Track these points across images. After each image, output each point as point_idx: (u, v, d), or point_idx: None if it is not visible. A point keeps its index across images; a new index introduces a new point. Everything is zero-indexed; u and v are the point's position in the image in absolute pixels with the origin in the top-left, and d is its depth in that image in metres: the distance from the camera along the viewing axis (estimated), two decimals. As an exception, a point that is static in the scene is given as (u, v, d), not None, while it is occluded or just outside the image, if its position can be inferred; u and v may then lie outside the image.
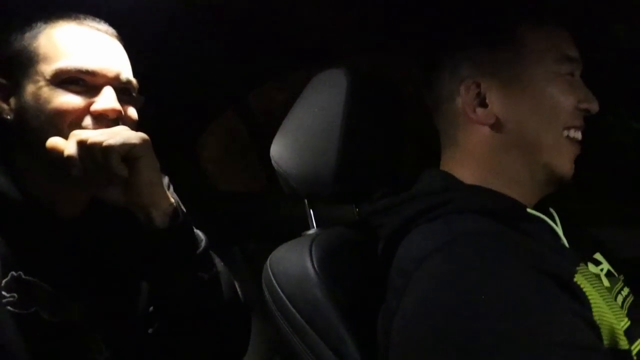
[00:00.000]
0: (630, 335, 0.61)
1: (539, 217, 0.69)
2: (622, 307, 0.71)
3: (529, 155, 0.69)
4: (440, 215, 0.64)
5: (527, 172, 0.70)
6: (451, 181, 0.71)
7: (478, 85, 0.70)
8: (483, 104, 0.70)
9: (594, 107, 0.71)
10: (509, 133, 0.69)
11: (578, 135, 0.71)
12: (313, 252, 0.76)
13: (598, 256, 0.78)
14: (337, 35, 0.98)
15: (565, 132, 0.70)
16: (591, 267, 0.74)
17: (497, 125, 0.70)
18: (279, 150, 0.91)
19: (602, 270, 0.75)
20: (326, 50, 1.10)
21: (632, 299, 0.75)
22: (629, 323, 0.63)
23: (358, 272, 0.78)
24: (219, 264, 0.82)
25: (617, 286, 0.74)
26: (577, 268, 0.62)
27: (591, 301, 0.56)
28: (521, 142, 0.69)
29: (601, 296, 0.61)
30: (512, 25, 0.71)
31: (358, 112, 0.83)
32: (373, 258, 0.72)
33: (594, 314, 0.55)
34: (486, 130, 0.70)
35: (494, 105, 0.69)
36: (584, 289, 0.57)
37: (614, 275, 0.77)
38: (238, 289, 0.86)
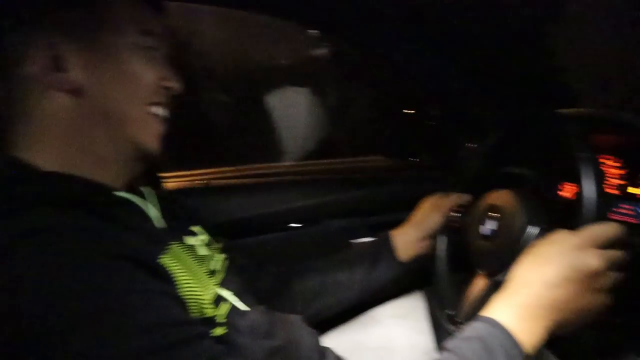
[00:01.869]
0: (218, 301, 0.67)
1: (128, 200, 0.67)
2: (218, 271, 0.77)
3: (115, 129, 0.66)
4: (6, 211, 0.53)
5: (114, 148, 0.66)
6: (21, 169, 0.60)
7: (56, 47, 0.61)
8: (62, 69, 0.62)
9: (177, 86, 0.72)
10: (92, 103, 0.63)
11: (163, 111, 0.71)
12: None
13: (195, 228, 0.82)
14: None
15: (149, 108, 0.68)
16: (188, 239, 0.77)
17: (78, 94, 0.63)
18: None
19: (199, 240, 0.79)
20: None
21: (226, 262, 0.83)
22: (217, 291, 0.69)
23: None
24: None
25: (213, 254, 0.80)
26: (167, 247, 0.63)
27: (176, 278, 0.58)
28: (106, 114, 0.65)
29: (190, 271, 0.63)
30: None
31: None
32: None
33: (179, 290, 0.58)
34: (66, 99, 0.63)
35: (74, 71, 0.62)
36: (169, 268, 0.58)
37: (211, 244, 0.82)
38: None
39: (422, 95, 1.29)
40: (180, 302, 0.56)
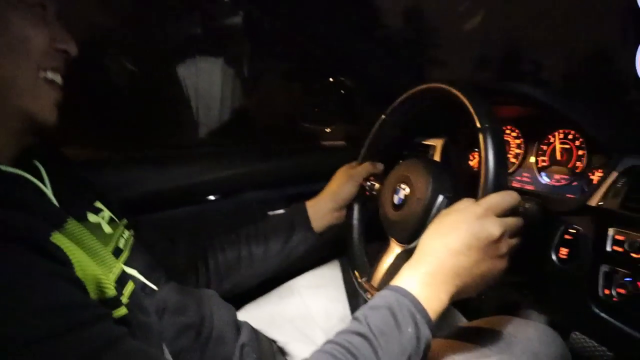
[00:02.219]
0: (122, 282, 0.63)
1: (19, 176, 0.60)
2: (123, 249, 0.73)
3: (1, 99, 0.59)
4: None
5: (1, 119, 0.59)
6: None
7: None
8: None
9: (72, 48, 0.66)
10: None
11: (57, 77, 0.65)
12: None
13: (99, 204, 0.77)
14: None
15: (42, 74, 0.62)
16: (91, 216, 0.72)
17: None
18: None
19: (103, 217, 0.74)
20: None
21: (132, 240, 0.78)
22: (121, 269, 0.65)
23: None
24: None
25: (118, 231, 0.75)
26: (63, 226, 0.58)
27: (72, 259, 0.53)
28: None
29: (89, 250, 0.59)
30: None
31: None
32: None
33: (76, 270, 0.53)
34: None
35: None
36: (64, 248, 0.53)
37: (115, 221, 0.77)
38: None
39: (336, 66, 1.28)
40: (76, 284, 0.52)
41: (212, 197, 1.27)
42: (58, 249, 0.52)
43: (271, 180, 1.32)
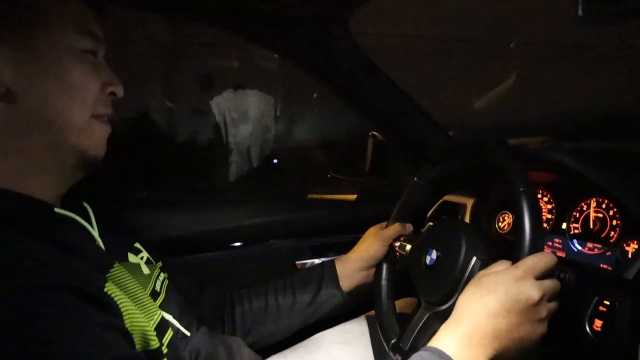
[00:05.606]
0: (161, 329, 0.64)
1: (69, 217, 0.63)
2: (159, 292, 0.74)
3: (54, 137, 0.61)
4: None
5: (53, 156, 0.62)
6: None
7: None
8: None
9: (120, 90, 0.69)
10: (26, 109, 0.59)
11: (108, 116, 0.68)
12: None
13: (138, 245, 0.79)
14: None
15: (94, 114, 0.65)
16: (132, 257, 0.74)
17: (9, 98, 0.58)
18: None
19: (142, 258, 0.76)
20: None
21: (167, 282, 0.80)
22: (161, 316, 0.66)
23: None
24: None
25: (155, 273, 0.77)
26: (110, 272, 0.59)
27: (122, 309, 0.55)
28: (43, 121, 0.60)
29: (134, 297, 0.60)
30: None
31: None
32: None
33: (125, 321, 0.54)
34: None
35: (4, 74, 0.57)
36: (115, 298, 0.54)
37: (152, 262, 0.79)
38: None
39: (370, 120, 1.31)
40: (126, 336, 0.53)
41: (240, 244, 1.28)
42: (110, 299, 0.53)
43: (301, 230, 1.33)
